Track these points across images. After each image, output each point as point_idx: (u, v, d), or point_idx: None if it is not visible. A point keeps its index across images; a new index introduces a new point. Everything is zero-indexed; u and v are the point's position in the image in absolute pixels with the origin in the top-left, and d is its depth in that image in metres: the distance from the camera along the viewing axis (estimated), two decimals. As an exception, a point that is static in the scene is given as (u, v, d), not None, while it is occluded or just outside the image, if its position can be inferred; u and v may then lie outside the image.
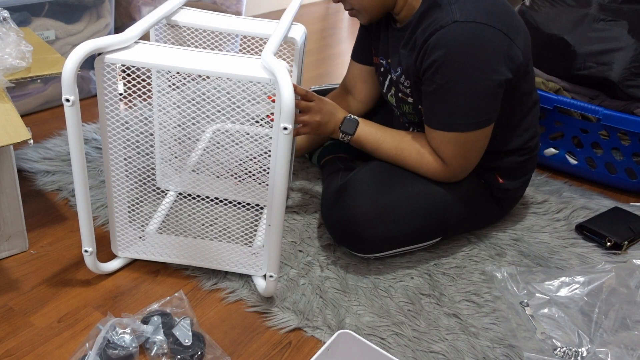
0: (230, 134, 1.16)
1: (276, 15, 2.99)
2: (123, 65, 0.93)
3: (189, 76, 1.19)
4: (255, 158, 1.17)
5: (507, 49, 1.09)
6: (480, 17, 1.06)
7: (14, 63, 1.13)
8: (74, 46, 1.74)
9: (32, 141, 1.01)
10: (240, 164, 1.20)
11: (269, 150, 1.03)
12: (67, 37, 1.72)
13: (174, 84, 1.21)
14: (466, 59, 1.07)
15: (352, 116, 1.21)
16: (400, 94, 1.25)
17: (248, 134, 1.09)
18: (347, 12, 1.22)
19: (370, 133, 1.21)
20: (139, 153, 1.49)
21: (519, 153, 1.26)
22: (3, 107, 1.06)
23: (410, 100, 1.23)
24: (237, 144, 1.12)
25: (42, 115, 1.72)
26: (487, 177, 1.27)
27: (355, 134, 1.21)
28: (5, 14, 1.19)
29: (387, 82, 1.30)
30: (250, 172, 1.19)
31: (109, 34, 1.83)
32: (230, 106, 1.03)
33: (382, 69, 1.31)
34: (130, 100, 1.75)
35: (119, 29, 1.97)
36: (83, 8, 1.72)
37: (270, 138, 1.02)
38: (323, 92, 1.60)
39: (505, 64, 1.09)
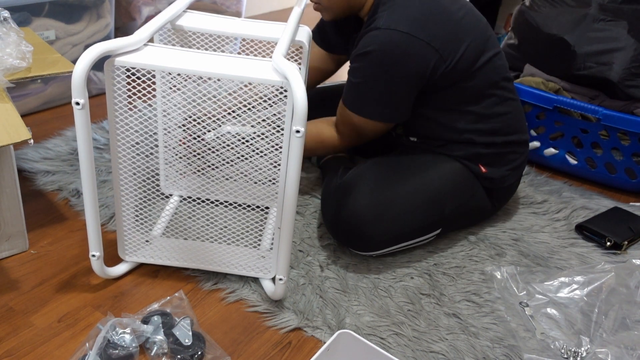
0: (239, 136, 1.15)
1: (276, 15, 2.98)
2: (133, 68, 0.93)
3: (194, 75, 1.18)
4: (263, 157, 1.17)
5: (423, 58, 1.16)
6: (403, 25, 1.14)
7: (14, 63, 1.13)
8: (74, 46, 1.75)
9: (32, 141, 1.01)
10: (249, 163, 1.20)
11: (276, 150, 1.03)
12: (67, 37, 1.72)
13: (179, 83, 1.20)
14: (384, 64, 1.16)
15: None
16: None
17: (258, 135, 1.08)
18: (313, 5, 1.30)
19: None
20: (147, 156, 1.49)
21: (483, 141, 1.27)
22: (3, 107, 1.06)
23: None
24: (247, 146, 1.11)
25: (42, 115, 1.72)
26: (472, 168, 1.29)
27: None
28: (6, 14, 1.19)
29: None
30: (258, 171, 1.18)
31: (109, 34, 1.83)
32: (240, 108, 1.02)
33: None
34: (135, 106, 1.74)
35: (119, 29, 1.97)
36: (83, 8, 1.72)
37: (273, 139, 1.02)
38: (326, 90, 1.61)
39: (421, 73, 1.17)
